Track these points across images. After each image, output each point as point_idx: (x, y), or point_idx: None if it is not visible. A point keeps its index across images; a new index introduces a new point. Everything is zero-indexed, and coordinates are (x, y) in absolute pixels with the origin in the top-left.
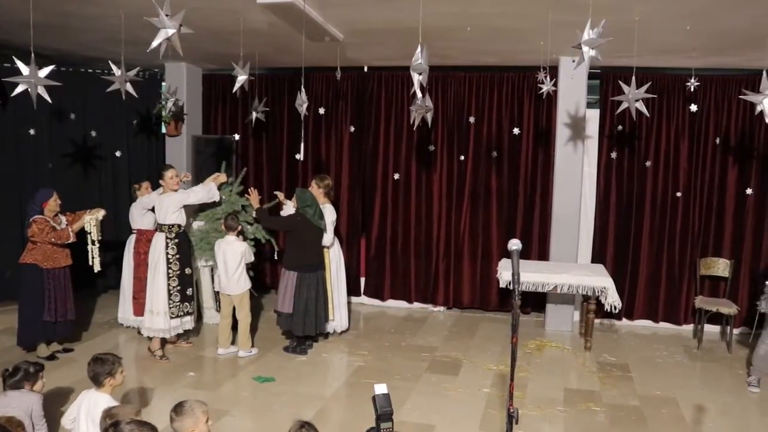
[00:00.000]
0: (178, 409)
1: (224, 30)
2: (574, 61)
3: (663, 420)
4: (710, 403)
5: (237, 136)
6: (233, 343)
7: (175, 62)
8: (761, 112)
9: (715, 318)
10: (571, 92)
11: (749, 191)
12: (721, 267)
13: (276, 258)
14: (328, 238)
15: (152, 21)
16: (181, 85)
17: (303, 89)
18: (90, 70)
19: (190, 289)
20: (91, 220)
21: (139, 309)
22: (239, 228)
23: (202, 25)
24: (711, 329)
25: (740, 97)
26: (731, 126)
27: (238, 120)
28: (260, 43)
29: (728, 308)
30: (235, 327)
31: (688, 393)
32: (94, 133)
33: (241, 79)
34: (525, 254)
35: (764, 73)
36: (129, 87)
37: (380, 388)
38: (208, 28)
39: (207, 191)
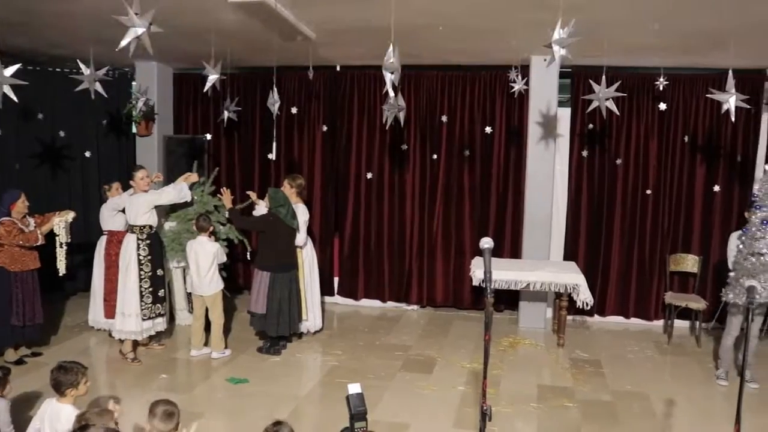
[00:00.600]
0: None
1: (195, 29)
2: (545, 60)
3: (634, 414)
4: (680, 397)
5: (209, 136)
6: (206, 344)
7: (145, 61)
8: (727, 111)
9: (685, 313)
10: (543, 91)
11: (717, 188)
12: (690, 263)
13: (249, 258)
14: (301, 237)
15: (121, 20)
16: (151, 85)
17: (275, 88)
18: (58, 69)
19: (162, 290)
20: (61, 222)
21: (110, 311)
22: (211, 228)
23: (172, 24)
24: (681, 324)
25: (707, 96)
26: (699, 124)
27: (210, 120)
28: (232, 42)
29: (697, 303)
30: (208, 328)
31: (659, 387)
32: (62, 133)
33: (213, 78)
34: (498, 252)
35: (729, 72)
36: (98, 86)
37: (354, 388)
38: (179, 27)
39: (178, 191)
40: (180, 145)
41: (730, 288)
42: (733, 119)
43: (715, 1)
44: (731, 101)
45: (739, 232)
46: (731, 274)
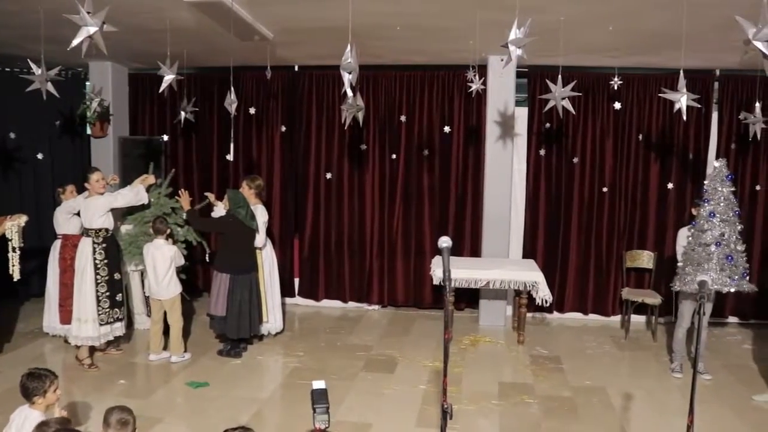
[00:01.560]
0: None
1: (150, 28)
2: (502, 60)
3: (594, 409)
4: (637, 390)
5: (166, 137)
6: (165, 348)
7: (99, 61)
8: (679, 110)
9: (641, 308)
10: (500, 91)
11: (670, 186)
12: (645, 259)
13: (208, 260)
14: (261, 239)
15: (73, 18)
16: (106, 85)
17: (232, 89)
18: (7, 69)
19: (120, 294)
20: (13, 226)
21: (65, 317)
22: (169, 231)
23: (126, 23)
24: (637, 319)
25: (660, 95)
26: (652, 123)
27: (167, 120)
28: (188, 41)
29: (653, 298)
30: (166, 332)
31: (617, 381)
32: (13, 135)
33: (168, 78)
34: (458, 251)
35: (681, 72)
36: (50, 86)
37: (318, 384)
38: (133, 26)
39: (135, 194)
40: (136, 146)
41: (678, 278)
42: (684, 118)
43: (666, 4)
44: (683, 100)
45: (688, 226)
46: (679, 264)
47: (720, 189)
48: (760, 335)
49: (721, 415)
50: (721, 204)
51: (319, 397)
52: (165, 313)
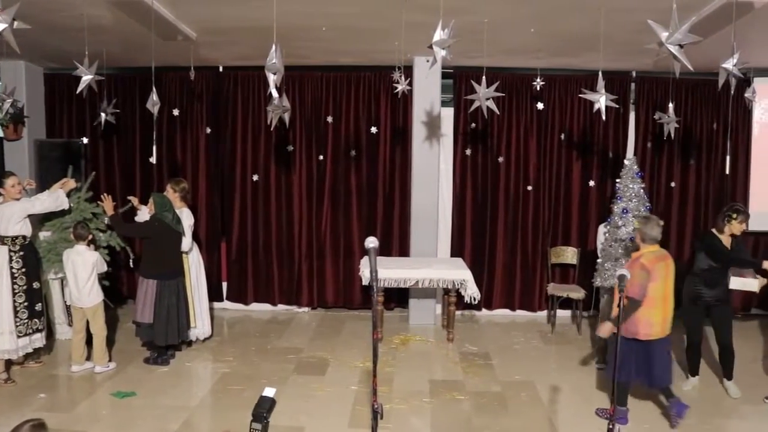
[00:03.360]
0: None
1: (67, 26)
2: (428, 61)
3: (522, 403)
4: (564, 384)
5: (85, 140)
6: (88, 358)
7: (11, 60)
8: (599, 110)
9: (566, 303)
10: (426, 91)
11: (592, 183)
12: (569, 255)
13: (132, 266)
14: (187, 242)
15: None
16: (19, 85)
17: (155, 89)
18: None
19: (39, 304)
20: None
21: None
22: (90, 236)
23: (41, 20)
24: (563, 313)
25: (580, 95)
26: (574, 123)
27: (87, 122)
28: (108, 40)
29: (577, 293)
30: (89, 341)
31: (544, 375)
32: None
33: (87, 78)
34: (386, 251)
35: (599, 74)
36: None
37: (268, 391)
38: (49, 24)
39: (54, 199)
40: (53, 149)
41: (598, 273)
42: (604, 118)
43: (584, 8)
44: (601, 101)
45: (604, 223)
46: (599, 260)
47: (631, 186)
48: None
49: (641, 404)
50: (633, 200)
51: (261, 403)
52: (87, 322)
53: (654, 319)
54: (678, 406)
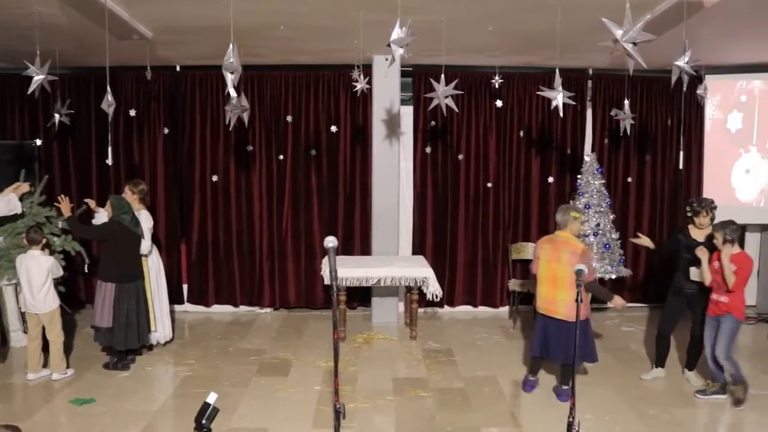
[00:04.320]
0: None
1: (17, 24)
2: (387, 60)
3: (485, 398)
4: None
5: (38, 141)
6: (45, 365)
7: None
8: (556, 107)
9: (527, 298)
10: (386, 90)
11: (551, 180)
12: (529, 251)
13: (89, 270)
14: (146, 245)
15: None
16: None
17: (109, 89)
18: None
19: None
20: None
21: None
22: (44, 241)
23: None
24: (524, 309)
25: (538, 93)
26: (532, 120)
27: (40, 124)
28: (60, 39)
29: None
30: (46, 348)
31: (507, 371)
32: None
33: (38, 78)
34: (348, 250)
35: (556, 71)
36: None
37: (210, 398)
38: None
39: (6, 203)
40: (5, 151)
41: None
42: (561, 114)
43: (540, 7)
44: (559, 98)
45: None
46: None
47: (592, 182)
48: (636, 318)
49: (603, 395)
50: (594, 196)
51: (204, 410)
52: (43, 329)
53: (539, 294)
54: (562, 395)
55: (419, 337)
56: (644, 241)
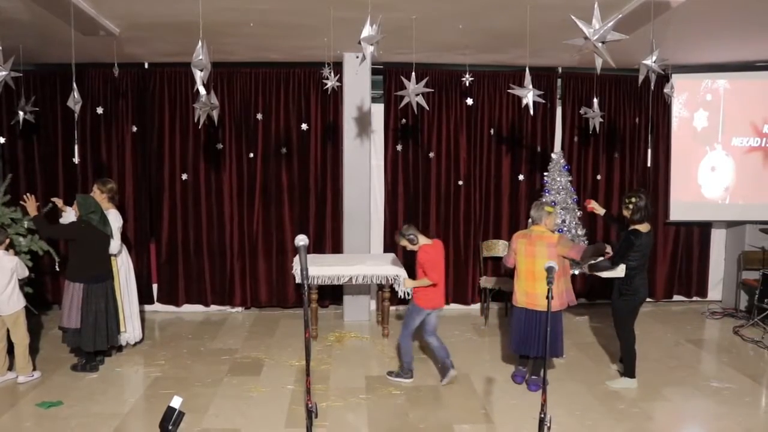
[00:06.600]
0: None
1: None
2: (357, 57)
3: (457, 395)
4: (497, 375)
5: (2, 140)
6: (10, 368)
7: None
8: (527, 105)
9: (499, 295)
10: (356, 88)
11: (521, 177)
12: (500, 248)
13: (57, 270)
14: (116, 245)
15: None
16: None
17: (75, 87)
18: None
19: None
20: None
21: None
22: (8, 241)
23: None
24: (496, 306)
25: (508, 91)
26: (503, 118)
27: (3, 122)
28: (24, 35)
29: (509, 286)
30: (11, 351)
31: (479, 367)
32: None
33: (1, 75)
34: (320, 248)
35: (527, 70)
36: None
37: (175, 401)
38: None
39: None
40: None
41: None
42: (531, 113)
43: (510, 5)
44: (529, 96)
45: None
46: None
47: (559, 179)
48: (605, 314)
49: (574, 391)
50: (561, 193)
51: (168, 419)
52: (8, 331)
53: (519, 288)
54: (531, 384)
55: (391, 335)
56: (596, 207)
